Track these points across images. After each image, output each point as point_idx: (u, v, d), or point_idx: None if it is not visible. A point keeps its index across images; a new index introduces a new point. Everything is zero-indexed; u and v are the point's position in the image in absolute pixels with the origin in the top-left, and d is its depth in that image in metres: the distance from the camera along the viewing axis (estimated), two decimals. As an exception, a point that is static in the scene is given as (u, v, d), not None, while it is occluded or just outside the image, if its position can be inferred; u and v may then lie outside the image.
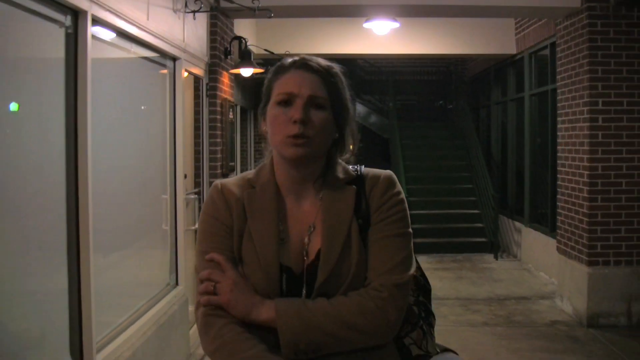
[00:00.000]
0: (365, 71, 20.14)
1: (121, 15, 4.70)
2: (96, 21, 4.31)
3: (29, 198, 3.72)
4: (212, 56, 7.63)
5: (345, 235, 2.09)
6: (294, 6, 8.01)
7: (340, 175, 2.19)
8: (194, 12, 6.53)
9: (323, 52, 10.70)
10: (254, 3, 6.96)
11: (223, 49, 7.85)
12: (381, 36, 10.68)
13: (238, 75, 8.66)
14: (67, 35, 4.03)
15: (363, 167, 2.24)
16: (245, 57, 8.06)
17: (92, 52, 4.20)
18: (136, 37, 5.11)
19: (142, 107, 5.75)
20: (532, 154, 11.37)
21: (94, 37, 4.29)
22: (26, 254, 3.74)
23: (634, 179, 7.73)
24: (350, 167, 2.24)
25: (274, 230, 2.10)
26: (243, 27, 9.34)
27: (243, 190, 2.17)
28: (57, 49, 3.99)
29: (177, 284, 6.44)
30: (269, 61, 10.03)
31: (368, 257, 2.10)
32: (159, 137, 6.15)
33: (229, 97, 8.25)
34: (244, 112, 11.43)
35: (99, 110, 4.32)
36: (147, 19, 5.27)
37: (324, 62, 2.16)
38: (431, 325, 2.28)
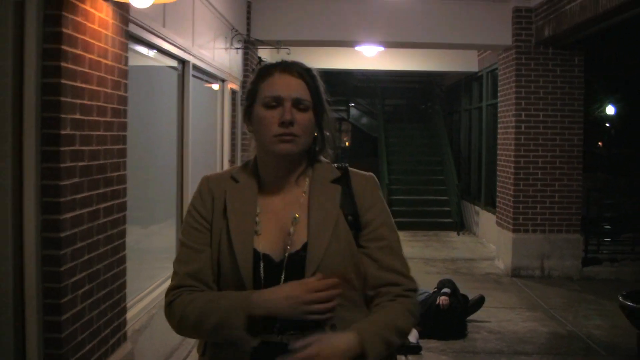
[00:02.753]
0: (357, 79, 23.00)
1: (204, 60, 7.69)
2: (193, 65, 7.29)
3: (160, 178, 6.67)
4: (244, 75, 10.59)
5: (332, 228, 2.18)
6: (303, 40, 11.06)
7: (327, 171, 2.31)
8: (237, 49, 9.53)
9: (323, 66, 13.69)
10: (278, 43, 10.00)
11: (251, 69, 10.83)
12: (369, 57, 13.60)
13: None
14: (178, 76, 7.01)
15: (347, 165, 2.35)
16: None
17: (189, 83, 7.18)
18: (208, 71, 8.09)
19: (206, 114, 8.71)
20: (487, 152, 14.31)
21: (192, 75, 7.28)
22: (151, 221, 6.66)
23: (547, 170, 10.70)
24: (334, 164, 2.35)
25: (250, 220, 2.20)
26: (263, 51, 12.30)
27: (227, 183, 2.28)
28: (174, 84, 6.96)
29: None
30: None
31: (375, 259, 2.22)
32: (215, 134, 9.13)
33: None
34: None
35: (191, 119, 7.29)
36: (213, 59, 8.25)
37: (303, 65, 2.28)
38: None
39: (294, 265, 2.14)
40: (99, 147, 4.18)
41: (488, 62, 13.74)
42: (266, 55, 12.75)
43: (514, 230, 10.83)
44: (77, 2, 3.78)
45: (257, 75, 2.27)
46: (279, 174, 2.27)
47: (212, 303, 2.12)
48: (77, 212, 3.87)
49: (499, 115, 11.84)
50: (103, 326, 4.32)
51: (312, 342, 1.97)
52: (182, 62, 6.96)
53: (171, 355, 6.10)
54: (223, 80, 9.30)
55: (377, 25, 10.95)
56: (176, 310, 2.17)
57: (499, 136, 11.80)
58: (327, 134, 2.33)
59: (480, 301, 8.06)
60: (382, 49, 12.53)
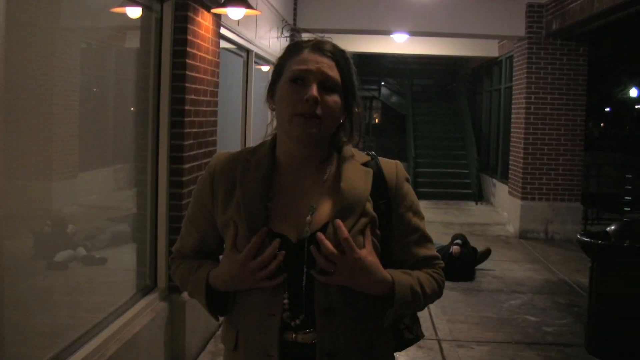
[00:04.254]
0: (388, 61, 24.63)
1: (262, 49, 9.32)
2: (255, 54, 8.93)
3: (232, 139, 8.32)
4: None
5: (361, 211, 2.06)
6: (342, 29, 12.63)
7: (355, 157, 2.17)
8: (286, 37, 11.14)
9: (358, 50, 15.38)
10: (320, 31, 11.59)
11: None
12: (399, 42, 15.12)
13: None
14: (244, 62, 8.65)
15: (373, 153, 2.23)
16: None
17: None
18: (265, 57, 9.72)
19: (261, 92, 10.34)
20: (504, 130, 15.80)
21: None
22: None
23: (552, 146, 12.25)
24: (359, 152, 2.22)
25: (262, 197, 2.07)
26: (306, 36, 13.88)
27: (238, 163, 2.15)
28: (240, 69, 8.59)
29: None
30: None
31: (408, 240, 2.17)
32: (266, 109, 10.78)
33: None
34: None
35: (253, 96, 8.93)
36: (269, 46, 9.88)
37: (337, 46, 2.13)
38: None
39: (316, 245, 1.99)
40: (203, 119, 5.85)
41: (507, 49, 15.13)
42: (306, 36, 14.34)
43: (522, 198, 12.41)
44: (194, 16, 5.43)
45: (287, 51, 2.15)
46: (298, 157, 2.12)
47: (186, 275, 2.22)
48: (192, 164, 5.55)
49: (513, 96, 13.39)
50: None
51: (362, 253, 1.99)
52: (247, 51, 8.60)
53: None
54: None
55: (406, 16, 12.43)
56: (172, 269, 2.33)
57: (512, 115, 13.36)
58: (357, 120, 2.19)
59: (487, 253, 9.69)
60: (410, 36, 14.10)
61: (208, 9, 5.73)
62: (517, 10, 12.38)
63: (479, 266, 9.57)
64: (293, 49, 2.12)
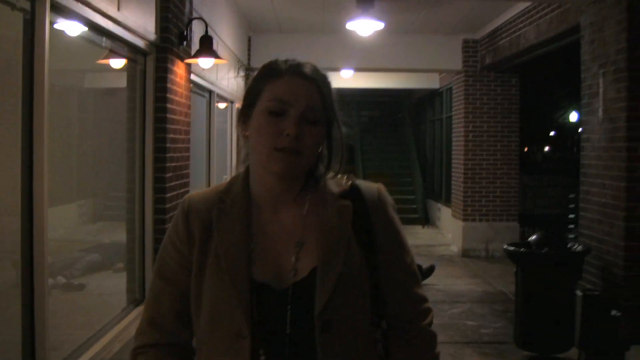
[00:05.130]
0: (336, 94, 25.46)
1: (222, 89, 10.22)
2: (217, 94, 9.82)
3: (199, 171, 9.19)
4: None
5: (345, 251, 1.89)
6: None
7: (333, 188, 2.01)
8: (242, 76, 12.07)
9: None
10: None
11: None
12: (346, 77, 16.05)
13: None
14: (207, 102, 9.54)
15: (353, 178, 2.09)
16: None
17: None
18: (224, 96, 10.60)
19: (221, 126, 11.24)
20: (447, 157, 16.81)
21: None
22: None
23: (490, 170, 13.36)
24: (339, 177, 2.06)
25: (243, 243, 1.89)
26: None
27: (212, 205, 1.96)
28: (204, 108, 9.48)
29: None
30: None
31: (398, 288, 2.00)
32: (226, 142, 11.68)
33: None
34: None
35: (215, 131, 9.82)
36: (228, 86, 10.77)
37: (318, 69, 1.98)
38: None
39: (301, 295, 1.84)
40: (179, 154, 6.72)
41: (447, 80, 16.21)
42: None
43: (464, 220, 13.47)
44: (171, 66, 6.33)
45: (263, 73, 1.97)
46: (274, 191, 1.96)
47: None
48: (172, 193, 6.43)
49: (453, 125, 14.49)
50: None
51: None
52: (210, 92, 9.50)
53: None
54: (232, 102, 11.83)
55: (352, 53, 13.38)
56: None
57: (453, 142, 14.44)
58: (338, 150, 2.06)
59: (431, 269, 10.68)
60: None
61: (182, 60, 6.64)
62: (455, 46, 13.53)
63: (424, 281, 10.48)
64: (270, 72, 1.94)
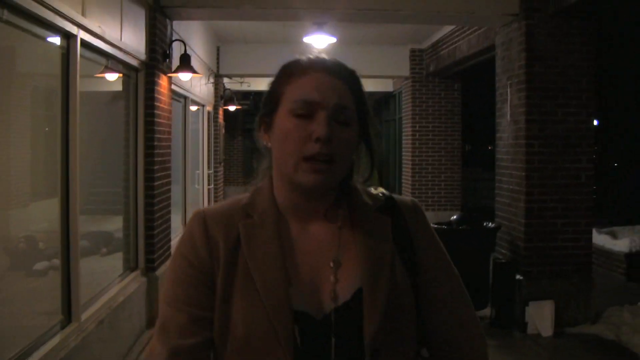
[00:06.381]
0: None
1: (195, 94, 11.65)
2: (191, 99, 11.26)
3: (176, 165, 10.61)
4: (216, 101, 14.58)
5: (389, 271, 1.65)
6: (257, 74, 14.99)
7: (368, 200, 1.76)
8: (212, 82, 13.52)
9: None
10: (242, 77, 14.12)
11: (219, 96, 14.85)
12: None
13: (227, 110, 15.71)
14: (182, 106, 10.97)
15: (385, 190, 1.85)
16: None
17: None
18: (197, 101, 12.02)
19: (194, 127, 12.65)
20: (400, 154, 18.05)
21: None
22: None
23: (435, 166, 14.85)
24: (372, 189, 1.83)
25: (282, 269, 1.61)
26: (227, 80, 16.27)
27: (237, 221, 1.68)
28: (180, 111, 10.92)
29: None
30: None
31: (439, 306, 1.77)
32: (198, 140, 13.10)
33: (221, 121, 15.29)
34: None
35: (190, 132, 11.25)
36: (200, 91, 12.19)
37: (342, 63, 1.75)
38: None
39: (346, 322, 1.59)
40: (163, 151, 8.17)
41: (399, 84, 17.54)
42: (228, 82, 16.79)
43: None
44: (157, 80, 7.79)
45: (284, 74, 1.71)
46: (301, 206, 1.70)
47: None
48: (158, 182, 7.88)
49: (403, 127, 15.99)
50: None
51: None
52: (185, 97, 10.94)
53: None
54: (203, 105, 13.26)
55: (312, 61, 14.80)
56: None
57: (403, 141, 15.95)
58: (374, 155, 1.79)
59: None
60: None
61: (165, 74, 8.10)
62: (403, 55, 15.05)
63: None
64: (290, 71, 1.71)
